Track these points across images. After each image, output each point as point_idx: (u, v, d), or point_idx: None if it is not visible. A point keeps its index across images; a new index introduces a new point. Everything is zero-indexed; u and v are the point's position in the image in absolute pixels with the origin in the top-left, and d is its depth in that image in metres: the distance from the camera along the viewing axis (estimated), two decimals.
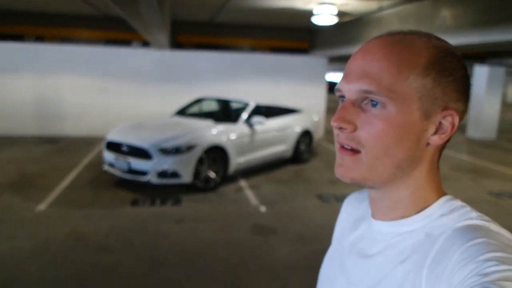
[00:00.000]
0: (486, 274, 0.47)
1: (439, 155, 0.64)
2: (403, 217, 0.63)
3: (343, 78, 0.62)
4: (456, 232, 0.56)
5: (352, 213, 0.80)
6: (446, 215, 0.60)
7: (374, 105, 0.58)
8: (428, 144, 0.61)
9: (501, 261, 0.48)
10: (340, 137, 0.61)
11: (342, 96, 0.63)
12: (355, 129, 0.59)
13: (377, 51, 0.59)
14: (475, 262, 0.49)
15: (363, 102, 0.59)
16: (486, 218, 0.58)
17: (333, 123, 0.60)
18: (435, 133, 0.60)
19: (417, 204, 0.62)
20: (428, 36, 0.61)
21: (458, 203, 0.62)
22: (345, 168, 0.62)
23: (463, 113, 0.61)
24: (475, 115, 11.67)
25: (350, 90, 0.60)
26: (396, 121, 0.57)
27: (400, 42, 0.60)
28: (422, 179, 0.62)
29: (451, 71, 0.59)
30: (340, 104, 0.63)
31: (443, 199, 0.63)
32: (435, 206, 0.62)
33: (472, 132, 11.74)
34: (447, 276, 0.51)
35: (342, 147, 0.62)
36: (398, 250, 0.61)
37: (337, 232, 0.84)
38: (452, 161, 8.29)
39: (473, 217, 0.58)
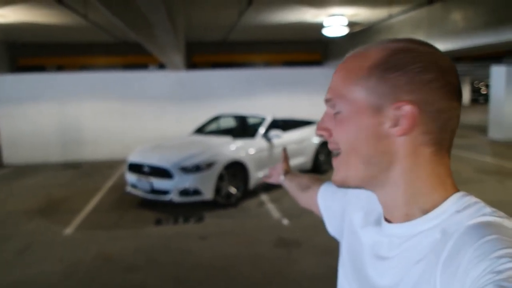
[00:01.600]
0: (499, 272, 0.46)
1: (443, 152, 0.63)
2: (413, 217, 0.62)
3: None
4: (469, 229, 0.55)
5: (363, 205, 0.80)
6: (461, 211, 0.59)
7: (336, 112, 0.66)
8: (392, 136, 0.61)
9: None
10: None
11: None
12: (330, 134, 0.67)
13: (339, 67, 0.69)
14: (488, 260, 0.49)
15: (332, 111, 0.68)
16: (501, 213, 0.57)
17: (315, 132, 0.71)
18: (395, 125, 0.60)
19: (421, 202, 0.62)
20: (396, 41, 0.64)
21: (472, 199, 0.61)
22: (334, 173, 0.69)
23: (426, 102, 0.60)
24: (495, 116, 11.44)
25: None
26: (351, 120, 0.64)
27: (357, 54, 0.67)
28: (411, 174, 0.62)
29: (400, 66, 0.60)
30: None
31: (457, 195, 0.62)
32: (449, 202, 0.61)
33: (494, 133, 11.49)
34: (461, 274, 0.51)
35: None
36: (415, 251, 0.61)
37: (350, 215, 0.82)
38: (475, 163, 8.12)
39: (487, 213, 0.57)
